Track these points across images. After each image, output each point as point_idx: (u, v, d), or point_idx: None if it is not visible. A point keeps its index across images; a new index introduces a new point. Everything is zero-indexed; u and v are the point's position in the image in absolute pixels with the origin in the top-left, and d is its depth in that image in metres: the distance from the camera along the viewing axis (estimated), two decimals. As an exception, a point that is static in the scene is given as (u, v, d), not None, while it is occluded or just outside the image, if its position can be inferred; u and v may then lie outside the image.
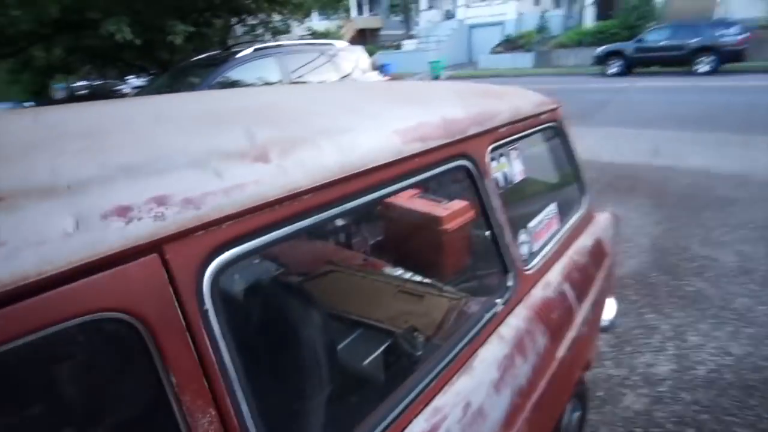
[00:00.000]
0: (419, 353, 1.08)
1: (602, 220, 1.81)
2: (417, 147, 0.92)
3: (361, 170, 0.78)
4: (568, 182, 1.70)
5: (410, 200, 2.09)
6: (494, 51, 20.30)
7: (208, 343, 0.56)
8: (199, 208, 0.57)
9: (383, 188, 0.85)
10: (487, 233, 1.16)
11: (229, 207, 0.60)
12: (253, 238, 0.63)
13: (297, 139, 0.75)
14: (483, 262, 1.53)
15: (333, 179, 0.74)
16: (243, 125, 0.77)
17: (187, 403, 0.53)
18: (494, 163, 1.21)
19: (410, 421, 0.83)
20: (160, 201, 0.55)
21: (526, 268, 1.25)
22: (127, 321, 0.50)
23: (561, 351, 1.25)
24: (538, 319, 1.20)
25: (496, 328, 1.10)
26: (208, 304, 0.57)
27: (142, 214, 0.53)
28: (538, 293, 1.26)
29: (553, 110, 1.56)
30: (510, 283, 1.19)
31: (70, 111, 0.88)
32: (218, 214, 0.58)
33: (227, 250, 0.60)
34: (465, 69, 19.84)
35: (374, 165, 0.81)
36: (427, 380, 0.91)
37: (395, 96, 1.24)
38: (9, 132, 0.70)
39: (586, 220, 1.69)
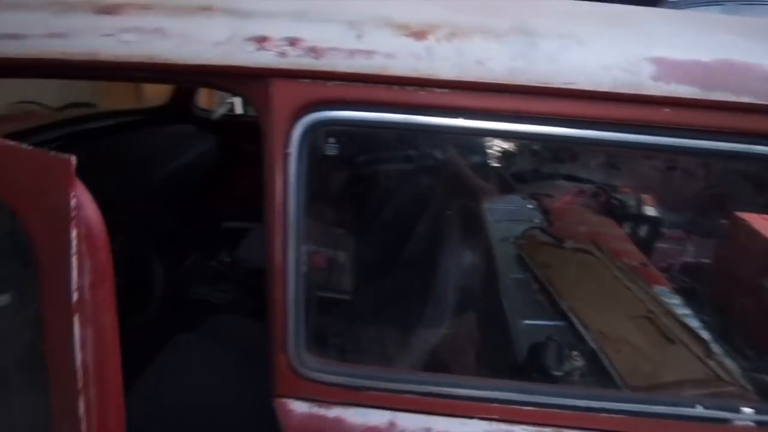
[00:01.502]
0: (556, 372, 0.79)
1: None
2: (680, 91, 0.57)
3: (541, 85, 0.57)
4: None
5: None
6: None
7: (278, 185, 0.61)
8: (318, 58, 0.58)
9: (581, 127, 0.60)
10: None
11: (345, 67, 0.58)
12: (363, 110, 0.60)
13: (481, 28, 0.61)
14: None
15: (487, 81, 0.57)
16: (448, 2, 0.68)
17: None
18: None
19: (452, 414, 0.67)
20: (292, 42, 0.59)
21: None
22: None
23: None
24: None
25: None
26: (293, 149, 0.61)
27: (272, 47, 0.59)
28: None
29: None
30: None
31: None
32: (331, 68, 0.58)
33: (331, 108, 0.60)
34: None
35: (571, 87, 0.57)
36: (526, 396, 0.68)
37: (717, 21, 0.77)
38: None
39: None
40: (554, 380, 0.79)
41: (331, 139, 0.68)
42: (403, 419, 0.69)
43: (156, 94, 2.22)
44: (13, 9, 0.67)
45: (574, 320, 1.15)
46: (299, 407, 0.70)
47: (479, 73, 0.58)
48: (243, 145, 2.16)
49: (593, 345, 1.06)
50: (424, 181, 0.84)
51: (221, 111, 2.09)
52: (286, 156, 0.61)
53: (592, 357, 0.95)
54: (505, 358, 0.96)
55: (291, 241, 0.63)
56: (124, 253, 1.44)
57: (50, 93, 3.71)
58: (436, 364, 0.82)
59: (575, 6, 0.72)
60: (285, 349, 0.69)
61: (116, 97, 2.74)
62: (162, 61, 0.59)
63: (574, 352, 0.84)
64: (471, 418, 0.68)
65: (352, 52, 0.58)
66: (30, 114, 3.06)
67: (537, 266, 1.38)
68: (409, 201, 0.83)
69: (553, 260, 1.39)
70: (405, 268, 0.87)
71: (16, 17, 0.65)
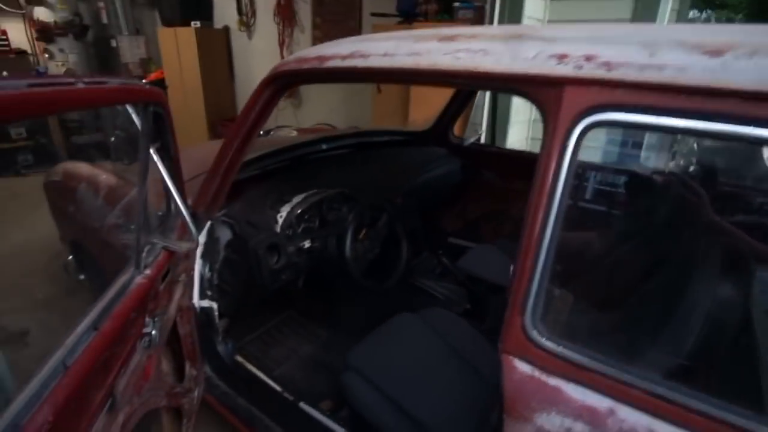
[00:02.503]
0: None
1: None
2: None
3: None
4: None
5: None
6: None
7: (550, 172, 0.75)
8: (610, 70, 0.70)
9: None
10: None
11: (635, 78, 0.68)
12: (644, 113, 0.68)
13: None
14: None
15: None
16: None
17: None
18: None
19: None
20: (588, 58, 0.73)
21: None
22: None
23: None
24: None
25: None
26: (570, 142, 0.74)
27: (570, 61, 0.74)
28: None
29: None
30: None
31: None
32: (621, 78, 0.69)
33: (614, 111, 0.70)
34: None
35: None
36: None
37: None
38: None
39: None
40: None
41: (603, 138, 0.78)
42: (625, 412, 0.71)
43: (420, 120, 2.68)
44: (395, 39, 1.01)
45: None
46: (522, 367, 0.80)
47: (779, 85, 0.60)
48: (482, 171, 2.40)
49: None
50: (691, 195, 0.84)
51: (471, 140, 2.38)
52: (563, 148, 0.74)
53: None
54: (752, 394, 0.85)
55: (550, 219, 0.76)
56: (384, 230, 1.81)
57: (338, 118, 4.85)
58: (664, 370, 0.79)
59: None
60: (522, 312, 0.80)
61: (386, 123, 3.40)
62: (483, 71, 0.81)
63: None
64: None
65: (643, 66, 0.68)
66: (324, 129, 4.11)
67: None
68: (672, 211, 0.84)
69: None
70: (653, 280, 0.87)
71: (389, 43, 0.98)
